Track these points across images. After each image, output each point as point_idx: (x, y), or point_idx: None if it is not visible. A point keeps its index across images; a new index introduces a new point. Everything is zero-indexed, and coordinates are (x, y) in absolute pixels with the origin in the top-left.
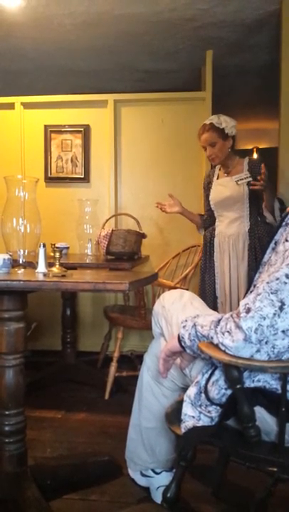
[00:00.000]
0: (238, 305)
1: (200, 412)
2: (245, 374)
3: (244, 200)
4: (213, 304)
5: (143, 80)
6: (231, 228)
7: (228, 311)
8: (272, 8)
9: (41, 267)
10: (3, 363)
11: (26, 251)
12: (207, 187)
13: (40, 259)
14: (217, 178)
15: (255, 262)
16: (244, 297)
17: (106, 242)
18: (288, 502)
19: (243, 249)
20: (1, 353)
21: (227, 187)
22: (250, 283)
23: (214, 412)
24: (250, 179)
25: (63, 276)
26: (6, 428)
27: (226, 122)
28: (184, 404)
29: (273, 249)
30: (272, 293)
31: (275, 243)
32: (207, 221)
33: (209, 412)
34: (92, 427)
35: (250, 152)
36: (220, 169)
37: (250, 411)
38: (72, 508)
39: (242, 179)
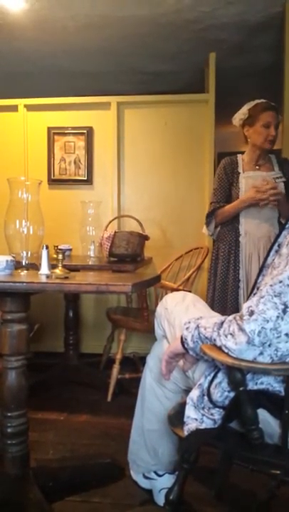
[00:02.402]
0: None
1: (203, 415)
2: (248, 376)
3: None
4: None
5: (146, 82)
6: (261, 230)
7: None
8: (275, 11)
9: (44, 269)
10: (5, 365)
11: (29, 253)
12: (231, 175)
13: (43, 260)
14: (243, 171)
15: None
16: (247, 300)
17: (109, 244)
18: None
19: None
20: (4, 354)
21: (259, 183)
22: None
23: (217, 414)
24: (284, 179)
25: (66, 278)
26: (9, 430)
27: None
28: (187, 407)
29: (277, 251)
30: (275, 296)
31: (279, 246)
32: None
33: (212, 414)
34: (94, 429)
35: None
36: (243, 160)
37: (254, 413)
38: (75, 510)
39: (278, 177)
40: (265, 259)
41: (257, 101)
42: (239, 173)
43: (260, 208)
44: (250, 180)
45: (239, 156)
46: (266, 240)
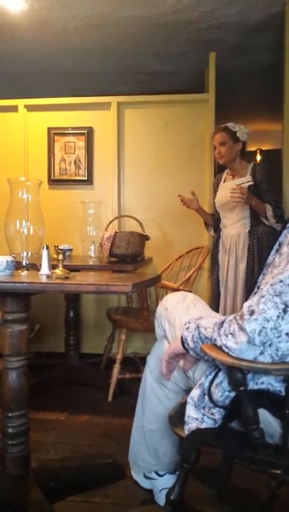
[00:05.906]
0: (238, 304)
1: (203, 415)
2: (249, 376)
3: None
4: (217, 301)
5: (146, 82)
6: (233, 229)
7: (229, 309)
8: (275, 10)
9: (44, 269)
10: (6, 365)
11: (30, 253)
12: (216, 189)
13: (43, 261)
14: (224, 182)
15: (253, 262)
16: (247, 299)
17: (109, 244)
18: None
19: (243, 250)
20: (5, 354)
21: (229, 190)
22: (249, 283)
23: (218, 414)
24: (252, 183)
25: (66, 278)
26: (10, 430)
27: (240, 128)
28: (188, 407)
29: (277, 250)
30: (276, 295)
31: (279, 245)
32: (217, 221)
33: (213, 414)
34: (95, 429)
35: (253, 154)
36: (227, 173)
37: (254, 413)
38: (76, 511)
39: (243, 183)
40: (266, 258)
41: None
42: (220, 185)
43: (231, 211)
44: (223, 191)
45: (226, 170)
46: (237, 239)
